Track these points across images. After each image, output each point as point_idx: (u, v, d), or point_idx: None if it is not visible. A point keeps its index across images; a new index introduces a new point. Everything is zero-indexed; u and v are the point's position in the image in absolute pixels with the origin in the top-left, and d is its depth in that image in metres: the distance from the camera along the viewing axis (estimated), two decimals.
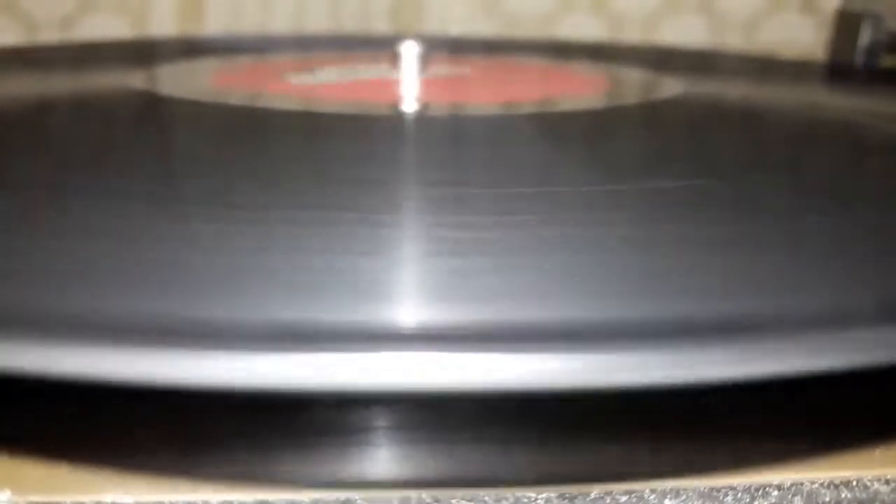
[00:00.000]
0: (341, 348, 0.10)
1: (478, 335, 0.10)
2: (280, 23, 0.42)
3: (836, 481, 0.12)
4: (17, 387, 0.10)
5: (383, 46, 0.29)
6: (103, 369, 0.10)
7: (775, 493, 0.11)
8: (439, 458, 0.11)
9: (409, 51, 0.26)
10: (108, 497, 0.10)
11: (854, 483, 0.12)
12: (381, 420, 0.11)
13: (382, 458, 0.11)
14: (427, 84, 0.26)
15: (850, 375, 0.11)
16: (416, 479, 0.11)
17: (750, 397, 0.12)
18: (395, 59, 0.27)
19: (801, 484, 0.11)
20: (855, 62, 0.35)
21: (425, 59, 0.27)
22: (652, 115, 0.23)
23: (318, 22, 0.42)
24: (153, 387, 0.10)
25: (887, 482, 0.12)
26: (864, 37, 0.36)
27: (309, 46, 0.36)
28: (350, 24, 0.42)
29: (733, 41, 0.44)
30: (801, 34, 0.45)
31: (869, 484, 0.12)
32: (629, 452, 0.11)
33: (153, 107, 0.23)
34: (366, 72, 0.28)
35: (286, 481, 0.11)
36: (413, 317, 0.11)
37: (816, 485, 0.11)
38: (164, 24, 0.42)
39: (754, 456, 0.11)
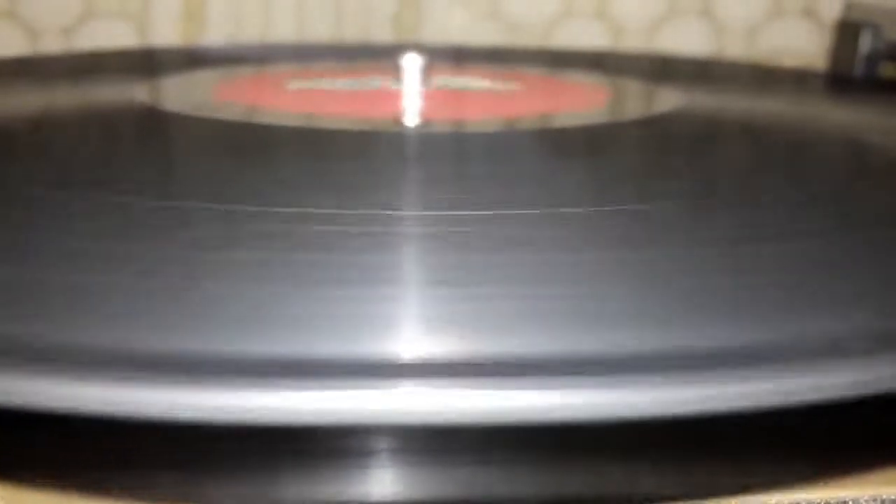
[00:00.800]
0: (341, 383, 0.10)
1: (475, 367, 0.10)
2: (281, 30, 0.42)
3: (833, 502, 0.12)
4: (15, 417, 0.10)
5: (385, 56, 0.29)
6: (103, 402, 0.10)
7: None
8: (440, 482, 0.11)
9: (411, 62, 0.26)
10: None
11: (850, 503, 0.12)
12: (382, 445, 0.11)
13: (383, 481, 0.11)
14: (428, 97, 0.26)
15: (848, 402, 0.11)
16: (417, 502, 0.11)
17: (749, 423, 0.12)
18: (397, 70, 0.27)
19: None
20: (855, 71, 0.36)
21: (427, 71, 0.27)
22: (651, 130, 0.23)
23: (319, 29, 0.42)
24: (152, 420, 0.10)
25: (882, 502, 0.12)
26: (864, 46, 0.36)
27: (310, 55, 0.36)
28: (352, 31, 0.42)
29: (734, 48, 0.44)
30: (802, 42, 0.45)
31: None
32: (631, 476, 0.11)
33: (155, 122, 0.23)
34: (368, 83, 0.28)
35: None
36: (415, 349, 0.11)
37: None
38: (165, 31, 0.42)
39: (754, 478, 0.11)
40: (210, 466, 0.11)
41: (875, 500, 0.12)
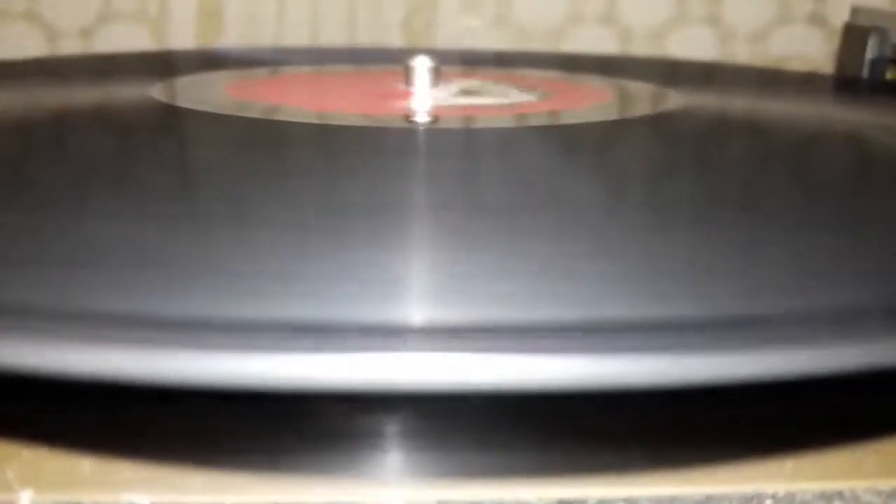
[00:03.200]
0: (353, 348, 0.10)
1: (484, 335, 0.11)
2: (295, 33, 0.43)
3: (829, 492, 0.12)
4: (38, 385, 0.11)
5: (396, 60, 0.29)
6: (123, 368, 0.10)
7: (769, 501, 0.11)
8: (443, 461, 0.12)
9: (422, 65, 0.27)
10: (125, 497, 0.11)
11: (846, 493, 0.12)
12: (388, 421, 0.12)
13: (388, 459, 0.12)
14: (439, 96, 0.27)
15: (843, 381, 0.11)
16: (420, 480, 0.11)
17: (742, 407, 0.12)
18: (407, 73, 0.27)
19: (794, 494, 0.12)
20: (861, 75, 0.36)
21: (437, 73, 0.27)
22: (658, 127, 0.24)
23: (332, 33, 0.43)
24: (171, 387, 0.10)
25: (878, 493, 0.12)
26: (871, 50, 0.37)
27: (323, 59, 0.37)
28: (364, 35, 0.43)
29: (741, 53, 0.45)
30: (810, 47, 0.45)
31: (861, 494, 0.12)
32: (625, 454, 0.12)
33: (171, 118, 0.24)
34: (379, 84, 0.29)
35: (298, 482, 0.11)
36: (423, 318, 0.12)
37: (809, 495, 0.12)
38: (182, 34, 0.42)
39: (747, 462, 0.12)
40: (218, 439, 0.12)
41: (870, 490, 0.12)
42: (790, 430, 0.12)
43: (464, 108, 0.26)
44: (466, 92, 0.28)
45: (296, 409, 0.12)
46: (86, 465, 0.11)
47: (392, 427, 0.12)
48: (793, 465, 0.12)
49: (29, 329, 0.11)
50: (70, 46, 0.42)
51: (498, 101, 0.27)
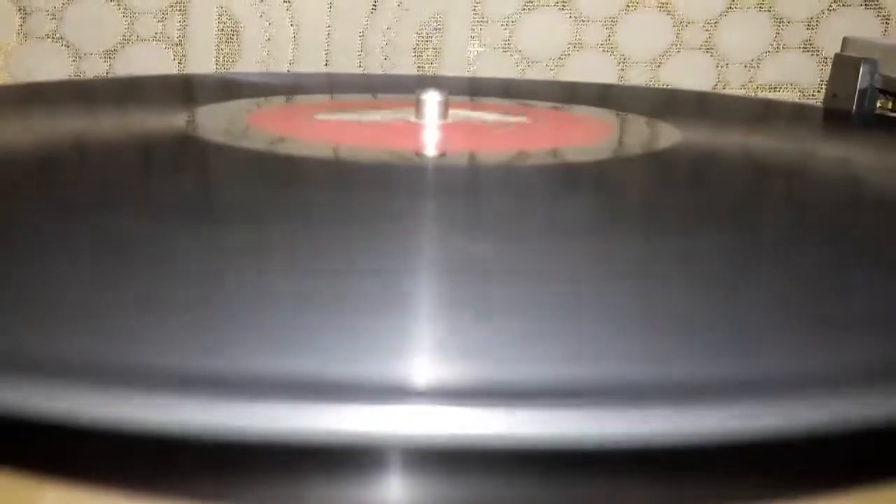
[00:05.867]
0: (356, 400, 0.11)
1: (486, 391, 0.11)
2: (310, 58, 0.44)
3: None
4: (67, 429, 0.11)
5: (407, 89, 0.31)
6: (128, 416, 0.10)
7: None
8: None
9: (431, 98, 0.29)
10: None
11: None
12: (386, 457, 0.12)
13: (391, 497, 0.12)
14: (446, 130, 0.28)
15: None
16: None
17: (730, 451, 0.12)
18: (417, 105, 0.29)
19: None
20: (852, 105, 0.37)
21: (444, 105, 0.29)
22: (653, 166, 0.25)
23: (345, 58, 0.44)
24: (171, 433, 0.10)
25: None
26: (861, 81, 0.38)
27: (337, 87, 0.38)
28: (375, 61, 0.44)
29: (735, 80, 0.46)
30: (802, 75, 0.46)
31: None
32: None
33: (192, 150, 0.25)
34: (391, 116, 0.30)
35: None
36: (426, 373, 0.12)
37: None
38: (203, 56, 0.44)
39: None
40: (220, 475, 0.12)
41: None
42: (777, 480, 0.12)
43: (471, 140, 0.27)
44: (474, 124, 0.30)
45: (297, 451, 0.12)
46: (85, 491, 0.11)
47: (392, 461, 0.12)
48: None
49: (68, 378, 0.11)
50: (93, 68, 0.43)
51: (504, 132, 0.29)
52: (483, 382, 0.12)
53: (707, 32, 0.45)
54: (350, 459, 0.12)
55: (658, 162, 0.25)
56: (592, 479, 0.12)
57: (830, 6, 0.45)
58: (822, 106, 0.41)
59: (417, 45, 0.44)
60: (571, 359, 0.12)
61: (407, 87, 0.32)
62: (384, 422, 0.11)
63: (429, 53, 0.44)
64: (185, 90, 0.37)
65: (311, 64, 0.44)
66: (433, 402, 0.11)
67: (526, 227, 0.18)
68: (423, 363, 0.12)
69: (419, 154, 0.26)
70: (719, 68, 0.46)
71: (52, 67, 0.42)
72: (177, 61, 0.43)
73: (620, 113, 0.33)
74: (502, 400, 0.11)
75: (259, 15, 0.44)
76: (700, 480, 0.12)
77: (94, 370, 0.11)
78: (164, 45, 0.43)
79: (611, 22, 0.45)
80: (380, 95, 0.36)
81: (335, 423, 0.11)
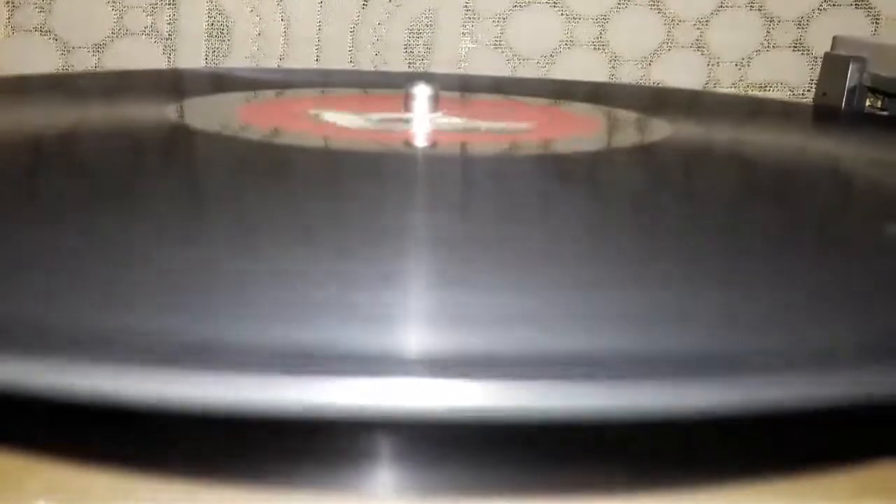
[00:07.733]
0: (350, 373, 0.11)
1: (476, 362, 0.11)
2: (300, 53, 0.44)
3: None
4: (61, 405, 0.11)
5: (397, 85, 0.31)
6: (130, 390, 0.10)
7: None
8: (435, 477, 0.12)
9: (421, 92, 0.29)
10: None
11: None
12: (383, 440, 0.12)
13: (381, 476, 0.12)
14: (437, 123, 0.28)
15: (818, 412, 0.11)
16: (413, 495, 0.12)
17: (717, 429, 0.12)
18: (408, 99, 0.29)
19: None
20: (842, 103, 0.37)
21: (435, 100, 0.29)
22: (644, 157, 0.25)
23: (336, 54, 0.44)
24: (179, 410, 0.11)
25: None
26: (850, 79, 0.38)
27: (328, 81, 0.38)
28: (366, 57, 0.44)
29: (726, 78, 0.46)
30: (792, 74, 0.46)
31: None
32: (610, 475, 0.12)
33: (182, 139, 0.25)
34: (381, 111, 0.30)
35: (305, 495, 0.11)
36: (418, 344, 0.12)
37: None
38: (193, 50, 0.43)
39: (722, 483, 0.12)
40: (226, 455, 0.12)
41: None
42: (761, 457, 0.12)
43: (460, 133, 0.27)
44: (463, 119, 0.30)
45: (291, 428, 0.12)
46: (102, 480, 0.11)
47: (384, 444, 0.12)
48: (772, 491, 0.12)
49: (54, 351, 0.11)
50: (82, 61, 0.43)
51: (493, 127, 0.28)
52: (469, 355, 0.12)
53: (698, 31, 0.45)
54: (339, 434, 0.12)
55: (647, 155, 0.25)
56: (585, 457, 0.12)
57: (821, 5, 0.45)
58: (811, 104, 0.42)
59: (408, 41, 0.44)
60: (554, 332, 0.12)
61: (397, 85, 0.32)
62: (371, 395, 0.11)
63: (420, 49, 0.44)
64: (174, 84, 0.36)
65: (302, 59, 0.44)
66: (420, 375, 0.11)
67: (513, 210, 0.18)
68: (412, 337, 0.12)
69: (409, 144, 0.26)
70: (710, 67, 0.46)
71: (40, 61, 0.42)
72: (166, 56, 0.43)
73: (611, 110, 0.33)
74: (487, 372, 0.11)
75: (249, 10, 0.44)
76: (683, 459, 0.12)
77: (106, 342, 0.11)
78: (153, 40, 0.43)
79: (602, 20, 0.45)
80: (370, 90, 0.36)
81: (321, 397, 0.11)
